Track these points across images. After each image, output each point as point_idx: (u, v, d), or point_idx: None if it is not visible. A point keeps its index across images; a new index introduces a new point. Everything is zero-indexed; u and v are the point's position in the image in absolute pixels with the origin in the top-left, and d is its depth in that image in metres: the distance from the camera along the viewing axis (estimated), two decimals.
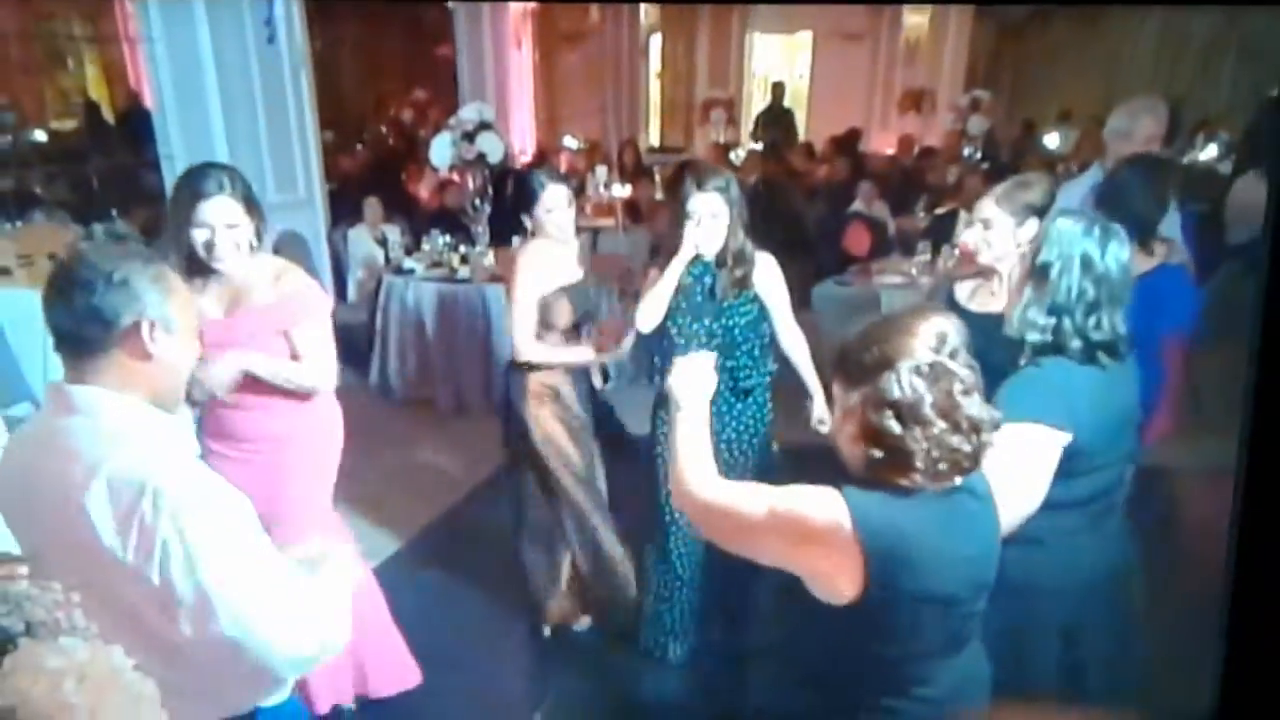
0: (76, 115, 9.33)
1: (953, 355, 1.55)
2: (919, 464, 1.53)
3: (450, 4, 9.33)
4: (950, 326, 1.58)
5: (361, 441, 2.99)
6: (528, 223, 3.25)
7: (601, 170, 8.67)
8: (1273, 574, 0.92)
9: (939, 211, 7.12)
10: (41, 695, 0.92)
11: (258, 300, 2.54)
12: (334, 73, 9.24)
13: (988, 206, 2.58)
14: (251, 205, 2.51)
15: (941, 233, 6.13)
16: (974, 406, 1.55)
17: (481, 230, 5.99)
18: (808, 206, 8.42)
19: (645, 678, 3.37)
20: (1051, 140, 9.13)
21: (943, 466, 1.54)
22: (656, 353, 3.21)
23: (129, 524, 1.44)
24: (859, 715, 1.68)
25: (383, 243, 6.94)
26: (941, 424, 1.52)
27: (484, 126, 5.74)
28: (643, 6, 11.97)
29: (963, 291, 2.73)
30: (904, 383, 1.52)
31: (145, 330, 1.53)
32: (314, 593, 1.62)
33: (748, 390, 3.08)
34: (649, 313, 3.01)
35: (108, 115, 9.32)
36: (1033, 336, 2.01)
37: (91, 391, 1.53)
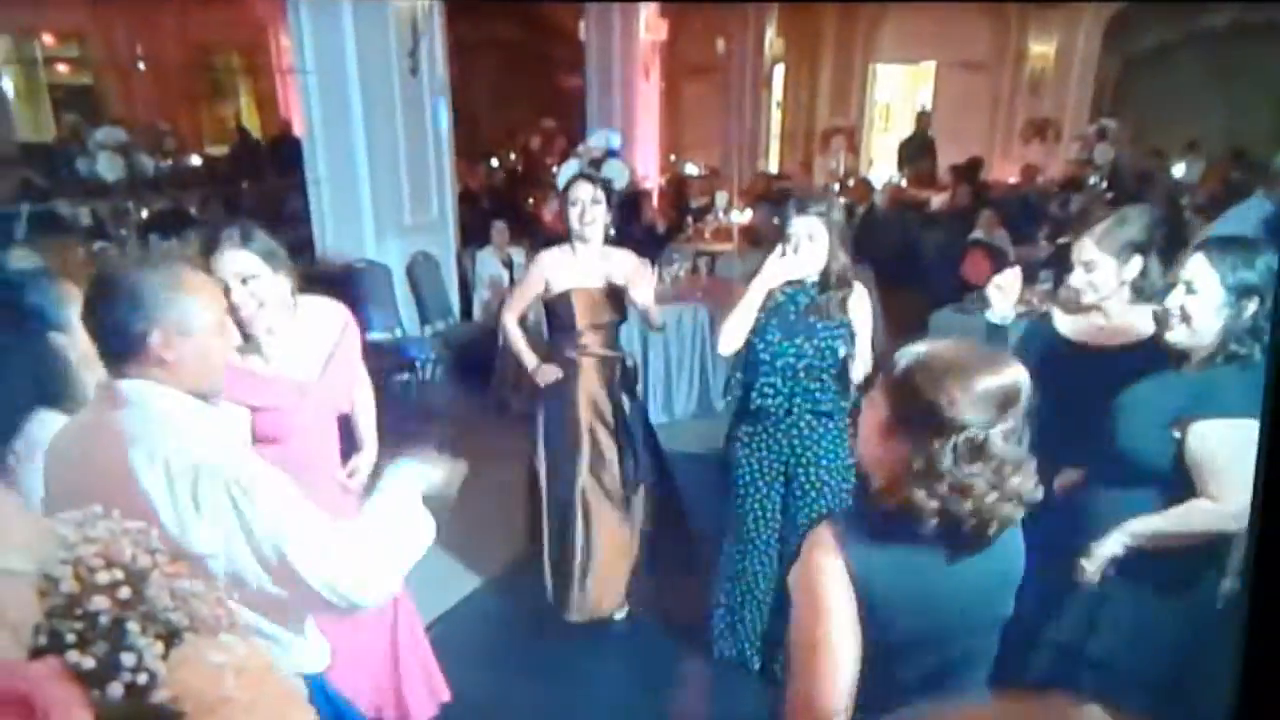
0: (230, 141, 9.78)
1: (1009, 430, 1.43)
2: (927, 522, 1.45)
3: (583, 37, 9.51)
4: (1024, 382, 1.45)
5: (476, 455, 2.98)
6: (547, 214, 3.40)
7: (721, 196, 8.69)
8: None
9: (1062, 241, 6.91)
10: (205, 688, 0.96)
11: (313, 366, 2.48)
12: (468, 103, 9.49)
13: (1088, 249, 2.45)
14: (272, 256, 2.31)
15: (1064, 262, 5.93)
16: (1003, 485, 1.43)
17: None
18: (926, 233, 8.28)
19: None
20: (1178, 170, 8.79)
21: (947, 527, 1.45)
22: (739, 369, 3.19)
23: (189, 504, 1.50)
24: None
25: (508, 264, 7.08)
26: (966, 498, 1.43)
27: (610, 153, 5.82)
28: (768, 38, 11.98)
29: (1064, 321, 2.62)
30: (944, 456, 1.42)
31: (157, 339, 1.56)
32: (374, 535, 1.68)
33: (829, 414, 3.05)
34: (730, 335, 2.99)
35: (258, 141, 9.77)
36: (1237, 348, 2.05)
37: (136, 384, 1.58)
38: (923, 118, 11.78)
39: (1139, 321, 2.38)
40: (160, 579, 1.00)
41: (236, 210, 7.68)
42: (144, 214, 6.52)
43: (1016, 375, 1.45)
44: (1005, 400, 1.43)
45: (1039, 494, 1.49)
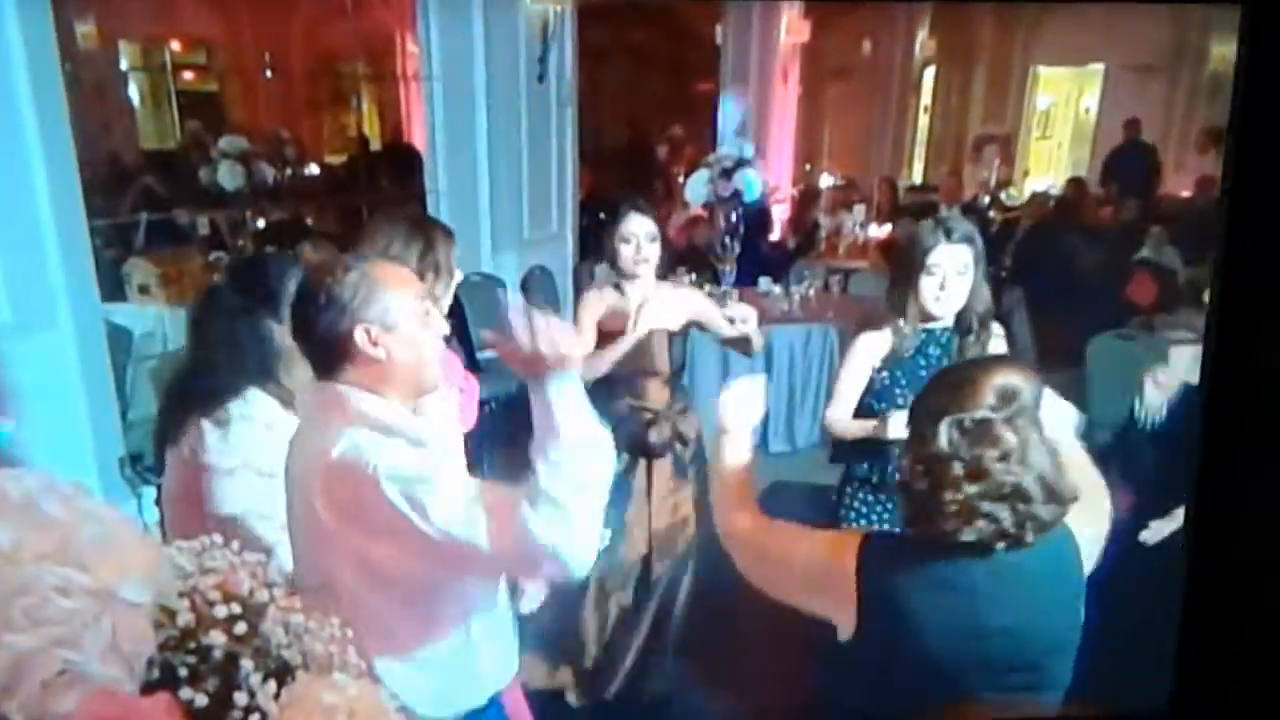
0: (349, 150, 10.09)
1: (1012, 417, 1.53)
2: (948, 527, 1.54)
3: (719, 40, 9.53)
4: (1022, 384, 1.56)
5: None
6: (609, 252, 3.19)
7: (859, 209, 8.58)
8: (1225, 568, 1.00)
9: None
10: None
11: None
12: (594, 110, 9.62)
13: None
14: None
15: None
16: (1014, 475, 1.52)
17: (729, 270, 6.05)
18: (1086, 251, 7.98)
19: None
20: None
21: (972, 532, 1.53)
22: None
23: (348, 500, 1.56)
24: None
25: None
26: (971, 488, 1.52)
27: (742, 163, 5.80)
28: (919, 39, 11.80)
29: None
30: (941, 438, 1.54)
31: (361, 338, 1.61)
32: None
33: None
34: (837, 423, 2.74)
35: (377, 151, 10.05)
36: None
37: (350, 391, 1.64)
38: (1131, 125, 10.83)
39: None
40: (276, 614, 1.03)
41: (353, 222, 7.91)
42: (260, 224, 6.80)
43: (1018, 373, 1.58)
44: (1003, 397, 1.54)
45: (1071, 487, 1.56)
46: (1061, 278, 7.55)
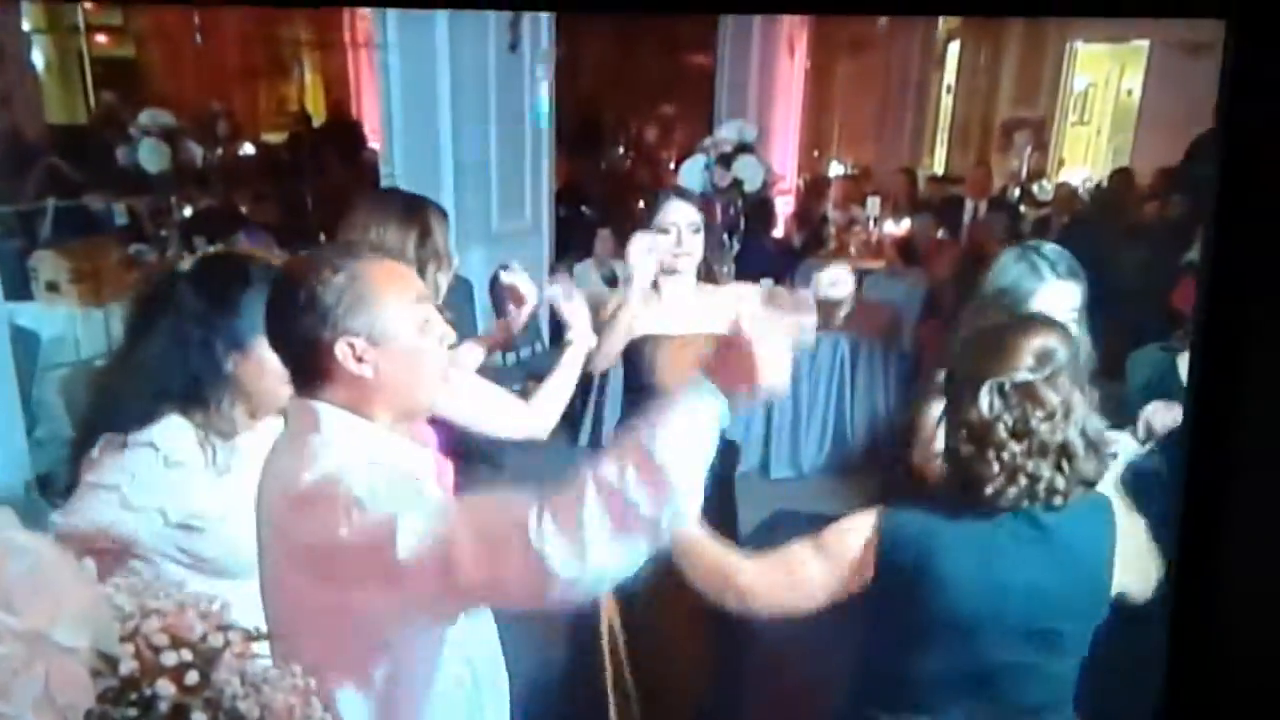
0: (291, 127, 10.02)
1: (1052, 375, 1.71)
2: (989, 490, 1.72)
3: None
4: (1059, 343, 1.75)
5: None
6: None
7: (873, 201, 8.60)
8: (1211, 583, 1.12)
9: None
10: None
11: None
12: (574, 84, 9.60)
13: None
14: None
15: None
16: (1060, 432, 1.71)
17: (727, 270, 6.02)
18: (1128, 253, 8.01)
19: None
20: None
21: (1013, 491, 1.72)
22: None
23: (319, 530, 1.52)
24: None
25: (611, 281, 7.11)
26: (1016, 446, 1.70)
27: (743, 148, 5.83)
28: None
29: None
30: (982, 403, 1.71)
31: (343, 353, 1.56)
32: None
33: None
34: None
35: (323, 129, 9.99)
36: None
37: (328, 410, 1.60)
38: None
39: None
40: (231, 661, 1.02)
41: (296, 210, 7.85)
42: (187, 211, 6.75)
43: (1052, 332, 1.78)
44: (1040, 358, 1.72)
45: (1108, 441, 1.79)
46: (1101, 281, 7.57)
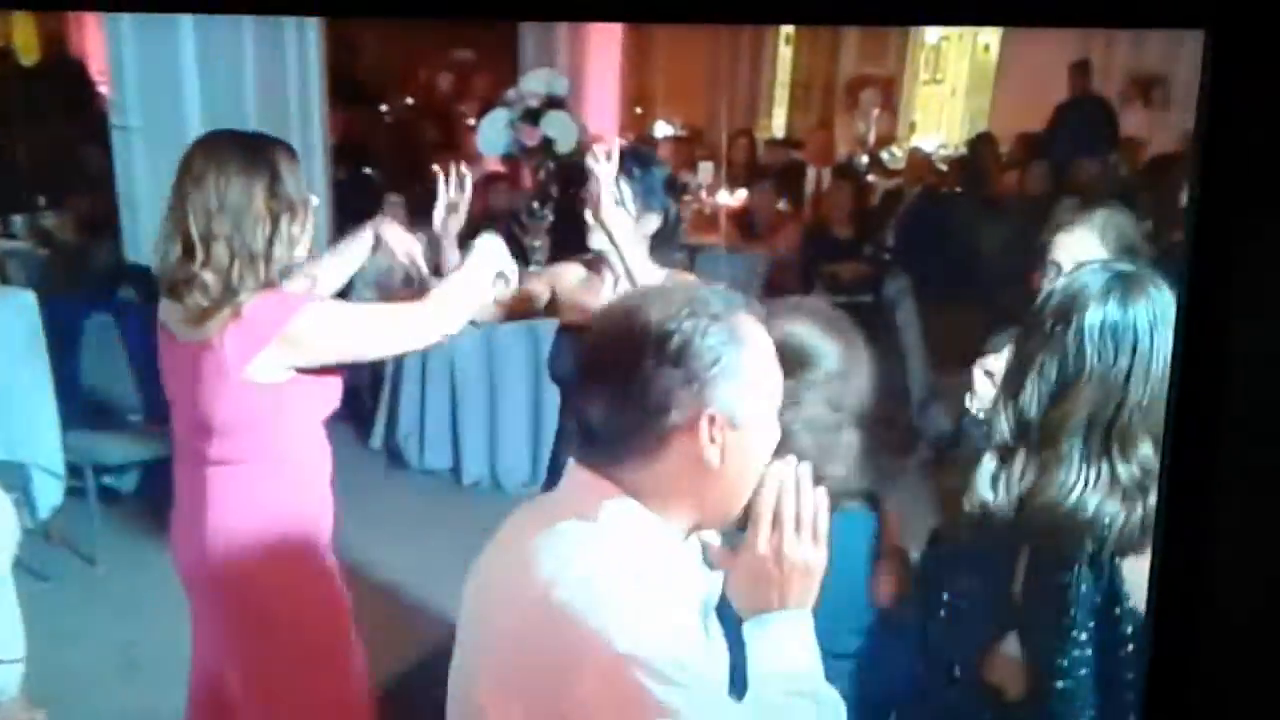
0: None
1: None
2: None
3: None
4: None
5: (362, 519, 3.02)
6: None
7: (705, 168, 8.59)
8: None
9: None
10: None
11: None
12: (349, 27, 9.36)
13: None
14: None
15: None
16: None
17: (539, 245, 5.94)
18: (985, 228, 8.17)
19: None
20: None
21: None
22: None
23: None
24: None
25: (406, 257, 6.93)
26: None
27: (553, 103, 5.71)
28: None
29: None
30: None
31: (704, 430, 1.40)
32: None
33: None
34: None
35: (34, 69, 9.51)
36: None
37: (618, 505, 1.43)
38: (1079, 73, 10.11)
39: None
40: None
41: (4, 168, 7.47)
42: None
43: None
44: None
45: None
46: (955, 261, 7.74)
